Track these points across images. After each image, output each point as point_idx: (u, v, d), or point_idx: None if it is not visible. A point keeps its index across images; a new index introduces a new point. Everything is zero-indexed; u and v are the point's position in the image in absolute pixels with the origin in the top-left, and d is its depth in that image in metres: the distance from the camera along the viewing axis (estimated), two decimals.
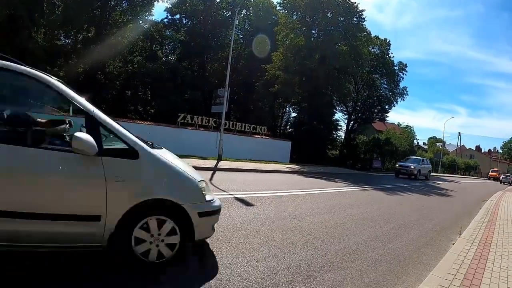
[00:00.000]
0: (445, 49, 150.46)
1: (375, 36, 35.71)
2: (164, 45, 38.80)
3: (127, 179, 2.82)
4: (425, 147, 66.97)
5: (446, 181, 26.20)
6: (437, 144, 64.36)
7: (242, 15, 36.96)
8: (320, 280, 3.23)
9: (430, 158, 47.29)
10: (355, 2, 27.60)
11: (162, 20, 36.83)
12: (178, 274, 3.00)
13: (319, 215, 6.27)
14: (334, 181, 13.75)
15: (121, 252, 2.90)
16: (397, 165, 24.84)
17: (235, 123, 24.57)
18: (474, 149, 78.57)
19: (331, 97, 31.42)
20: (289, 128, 39.68)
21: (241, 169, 13.55)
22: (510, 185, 28.02)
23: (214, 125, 22.02)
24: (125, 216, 2.81)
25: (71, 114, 4.04)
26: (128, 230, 2.86)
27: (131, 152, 2.88)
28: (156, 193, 2.97)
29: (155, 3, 30.30)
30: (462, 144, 69.53)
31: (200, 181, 3.33)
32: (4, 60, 2.71)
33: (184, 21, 37.46)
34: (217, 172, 11.58)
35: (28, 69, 2.74)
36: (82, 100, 2.83)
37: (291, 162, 24.21)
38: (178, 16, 36.94)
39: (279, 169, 15.62)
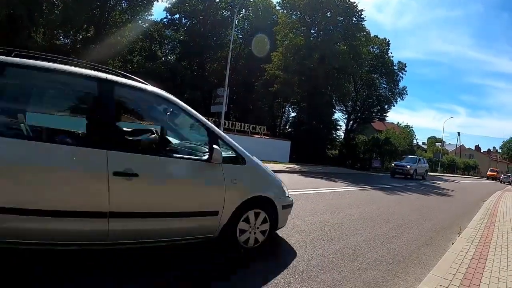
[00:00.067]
0: (445, 49, 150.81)
1: (374, 36, 35.75)
2: (163, 44, 38.80)
3: (238, 181, 3.50)
4: (425, 146, 67.00)
5: (445, 181, 26.23)
6: (437, 143, 64.37)
7: (242, 14, 36.96)
8: (319, 279, 3.23)
9: (430, 157, 47.40)
10: (355, 2, 27.64)
11: (161, 19, 36.87)
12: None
13: (318, 214, 6.27)
14: (334, 181, 13.76)
15: (228, 240, 3.54)
16: (393, 165, 24.13)
17: (234, 122, 24.57)
18: (474, 149, 78.65)
19: (330, 97, 31.44)
20: (288, 128, 39.67)
21: None
22: (510, 184, 27.99)
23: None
24: (235, 211, 3.46)
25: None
26: (235, 223, 3.50)
27: (240, 159, 3.62)
28: (257, 191, 3.70)
29: (154, 3, 30.25)
30: (461, 144, 69.77)
31: (281, 181, 4.20)
32: (132, 80, 3.22)
33: (184, 21, 37.44)
34: None
35: (161, 91, 3.37)
36: (203, 119, 3.48)
37: (291, 161, 24.22)
38: (177, 15, 36.92)
39: (279, 169, 15.53)
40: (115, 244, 2.88)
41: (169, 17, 36.93)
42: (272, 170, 4.41)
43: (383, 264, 3.92)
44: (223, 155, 3.35)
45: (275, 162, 20.42)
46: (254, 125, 25.30)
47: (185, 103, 3.43)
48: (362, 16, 28.42)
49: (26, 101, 3.11)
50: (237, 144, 3.66)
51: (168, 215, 3.08)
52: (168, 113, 3.81)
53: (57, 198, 2.55)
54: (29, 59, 2.67)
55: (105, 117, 2.87)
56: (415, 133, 53.53)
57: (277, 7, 32.27)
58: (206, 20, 35.30)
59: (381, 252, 4.41)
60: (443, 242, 5.34)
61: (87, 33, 28.51)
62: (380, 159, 32.08)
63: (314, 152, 28.49)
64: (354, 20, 28.32)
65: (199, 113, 3.50)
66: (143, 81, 3.33)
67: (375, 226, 5.91)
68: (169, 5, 34.85)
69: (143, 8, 29.82)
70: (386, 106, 36.95)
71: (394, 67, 36.28)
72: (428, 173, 27.02)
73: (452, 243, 5.08)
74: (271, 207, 3.82)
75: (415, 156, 26.73)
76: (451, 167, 55.28)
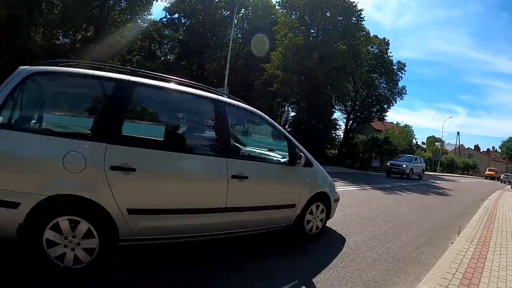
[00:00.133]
0: (444, 49, 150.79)
1: (374, 35, 35.70)
2: (162, 44, 38.72)
3: (308, 180, 4.33)
4: (424, 146, 67.04)
5: (444, 180, 26.23)
6: (436, 143, 64.39)
7: (241, 14, 36.92)
8: (319, 279, 3.24)
9: (429, 157, 47.45)
10: (354, 2, 27.57)
11: (161, 19, 36.73)
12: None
13: None
14: (333, 180, 13.72)
15: (298, 229, 4.31)
16: (388, 164, 23.30)
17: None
18: (473, 148, 78.68)
19: (330, 97, 31.38)
20: (288, 128, 39.56)
21: None
22: (510, 184, 27.95)
23: None
24: (305, 204, 4.25)
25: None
26: (304, 213, 4.30)
27: (309, 163, 4.36)
28: (320, 188, 4.51)
29: (154, 2, 30.24)
30: (461, 144, 69.69)
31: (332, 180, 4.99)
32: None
33: (183, 21, 37.38)
34: None
35: (249, 107, 4.07)
36: (283, 130, 4.44)
37: None
38: (177, 15, 36.86)
39: None
40: (222, 234, 3.52)
41: (168, 16, 36.89)
42: None
43: (382, 264, 3.92)
44: (288, 159, 4.16)
45: None
46: None
47: None
48: (361, 16, 28.39)
49: (157, 117, 3.91)
50: (305, 151, 4.35)
51: (265, 208, 3.79)
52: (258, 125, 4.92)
53: (192, 198, 3.17)
54: (148, 78, 3.21)
55: (223, 131, 3.50)
56: (414, 133, 53.46)
57: (277, 7, 32.20)
58: (206, 20, 35.28)
59: (381, 251, 4.41)
60: (442, 242, 5.35)
61: (87, 33, 28.47)
62: (380, 158, 32.05)
63: (313, 151, 27.59)
64: (354, 20, 28.28)
65: None
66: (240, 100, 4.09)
67: (375, 226, 5.91)
68: (169, 5, 34.81)
69: (142, 7, 29.80)
70: (385, 106, 36.89)
71: (394, 67, 36.23)
72: (428, 172, 26.93)
73: (452, 243, 5.08)
74: (327, 200, 4.68)
75: (411, 155, 25.80)
76: (451, 167, 55.28)
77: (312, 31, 29.62)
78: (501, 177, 42.43)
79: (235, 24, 28.86)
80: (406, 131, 45.67)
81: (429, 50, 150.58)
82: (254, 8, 36.21)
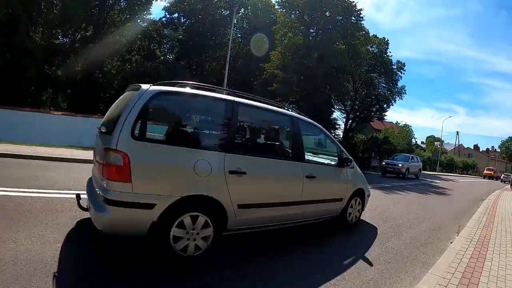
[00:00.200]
0: (443, 48, 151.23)
1: (373, 35, 35.69)
2: (162, 44, 38.69)
3: (352, 179, 5.28)
4: (424, 146, 67.11)
5: (444, 180, 26.25)
6: (435, 143, 64.49)
7: (240, 14, 36.90)
8: (318, 278, 3.24)
9: (429, 157, 47.49)
10: (353, 1, 27.52)
11: (160, 19, 36.71)
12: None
13: None
14: None
15: (342, 219, 5.25)
16: (383, 163, 22.73)
17: None
18: (472, 148, 78.77)
19: (329, 96, 31.36)
20: None
21: None
22: (510, 184, 27.92)
23: None
24: (349, 198, 5.20)
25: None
26: (347, 206, 5.22)
27: (352, 165, 5.23)
28: (359, 185, 5.46)
29: (153, 2, 30.25)
30: (460, 143, 69.84)
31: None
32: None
33: (182, 20, 37.35)
34: None
35: (312, 120, 4.92)
36: (337, 142, 5.27)
37: None
38: (176, 15, 36.83)
39: None
40: (297, 222, 4.40)
41: (167, 16, 36.87)
42: None
43: (382, 263, 3.93)
44: (336, 162, 5.10)
45: None
46: None
47: None
48: (361, 16, 28.35)
49: (254, 130, 4.46)
50: (348, 155, 5.23)
51: (325, 201, 4.69)
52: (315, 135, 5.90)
53: (281, 194, 3.99)
54: (245, 98, 3.91)
55: (298, 141, 4.37)
56: (413, 132, 53.48)
57: (276, 6, 32.16)
58: (205, 19, 35.25)
59: (380, 251, 4.42)
60: (442, 241, 5.36)
61: (86, 33, 28.44)
62: (379, 158, 32.03)
63: None
64: (353, 20, 28.26)
65: None
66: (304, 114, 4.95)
67: (374, 225, 5.92)
68: (168, 4, 34.81)
69: (141, 7, 29.78)
70: (385, 105, 36.86)
71: (393, 67, 36.23)
72: (427, 172, 26.85)
73: (451, 242, 5.09)
74: (362, 195, 5.62)
75: (407, 154, 25.07)
76: (450, 167, 55.29)
77: (312, 30, 29.60)
78: (502, 177, 42.44)
79: (234, 23, 28.87)
80: (406, 130, 45.68)
81: (428, 50, 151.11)
82: (254, 7, 36.20)
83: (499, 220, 7.61)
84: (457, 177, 36.32)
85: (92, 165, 4.08)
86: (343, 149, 5.18)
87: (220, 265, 3.27)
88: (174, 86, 3.42)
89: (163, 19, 36.84)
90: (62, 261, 2.91)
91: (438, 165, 48.14)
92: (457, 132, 73.68)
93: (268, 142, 4.43)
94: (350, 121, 37.75)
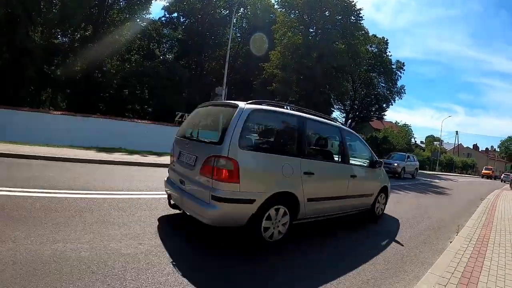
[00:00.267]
0: (443, 48, 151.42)
1: (372, 35, 35.75)
2: (161, 43, 38.69)
3: (380, 177, 6.30)
4: (423, 145, 67.10)
5: (443, 180, 26.22)
6: (435, 142, 64.44)
7: (240, 13, 36.90)
8: (318, 278, 3.24)
9: (428, 156, 47.49)
10: (353, 1, 27.56)
11: (159, 18, 36.75)
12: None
13: None
14: None
15: (372, 211, 6.15)
16: None
17: None
18: (472, 147, 78.81)
19: (329, 96, 31.40)
20: None
21: None
22: (510, 184, 27.86)
23: None
24: (377, 194, 6.16)
25: None
26: (375, 201, 6.14)
27: (379, 165, 6.09)
28: (384, 183, 6.43)
29: (152, 1, 30.31)
30: (459, 143, 69.87)
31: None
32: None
33: (182, 20, 37.35)
34: None
35: (351, 130, 6.11)
36: (369, 147, 6.23)
37: None
38: (175, 14, 36.84)
39: None
40: (341, 213, 5.23)
41: (167, 15, 36.89)
42: None
43: (381, 263, 3.93)
44: (368, 163, 5.96)
45: None
46: None
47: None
48: (360, 15, 28.40)
49: (315, 139, 5.09)
50: (378, 158, 6.19)
51: (361, 196, 5.58)
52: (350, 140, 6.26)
53: (335, 189, 4.93)
54: (309, 114, 4.77)
55: (345, 147, 5.24)
56: (413, 132, 53.44)
57: (276, 6, 32.20)
58: (204, 19, 35.24)
59: (379, 251, 4.42)
60: (441, 241, 5.36)
61: (85, 32, 28.43)
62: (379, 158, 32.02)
63: None
64: (353, 19, 28.29)
65: None
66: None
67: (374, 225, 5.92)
68: (167, 4, 34.83)
69: (141, 6, 29.77)
70: (384, 105, 36.94)
71: (392, 66, 36.31)
72: (427, 172, 26.78)
73: (450, 242, 5.10)
74: (386, 192, 6.56)
75: (403, 153, 24.10)
76: (449, 166, 55.27)
77: (311, 30, 29.62)
78: (502, 177, 42.45)
79: (234, 23, 28.83)
80: (405, 130, 45.65)
81: (428, 50, 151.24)
82: (253, 7, 36.19)
83: (499, 220, 7.62)
84: (456, 177, 36.30)
85: (166, 168, 4.97)
86: (374, 153, 6.14)
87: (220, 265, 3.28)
88: (261, 104, 4.10)
89: (163, 18, 36.88)
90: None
91: (437, 164, 48.13)
92: (457, 131, 73.90)
93: (325, 149, 5.11)
94: (350, 120, 37.80)
